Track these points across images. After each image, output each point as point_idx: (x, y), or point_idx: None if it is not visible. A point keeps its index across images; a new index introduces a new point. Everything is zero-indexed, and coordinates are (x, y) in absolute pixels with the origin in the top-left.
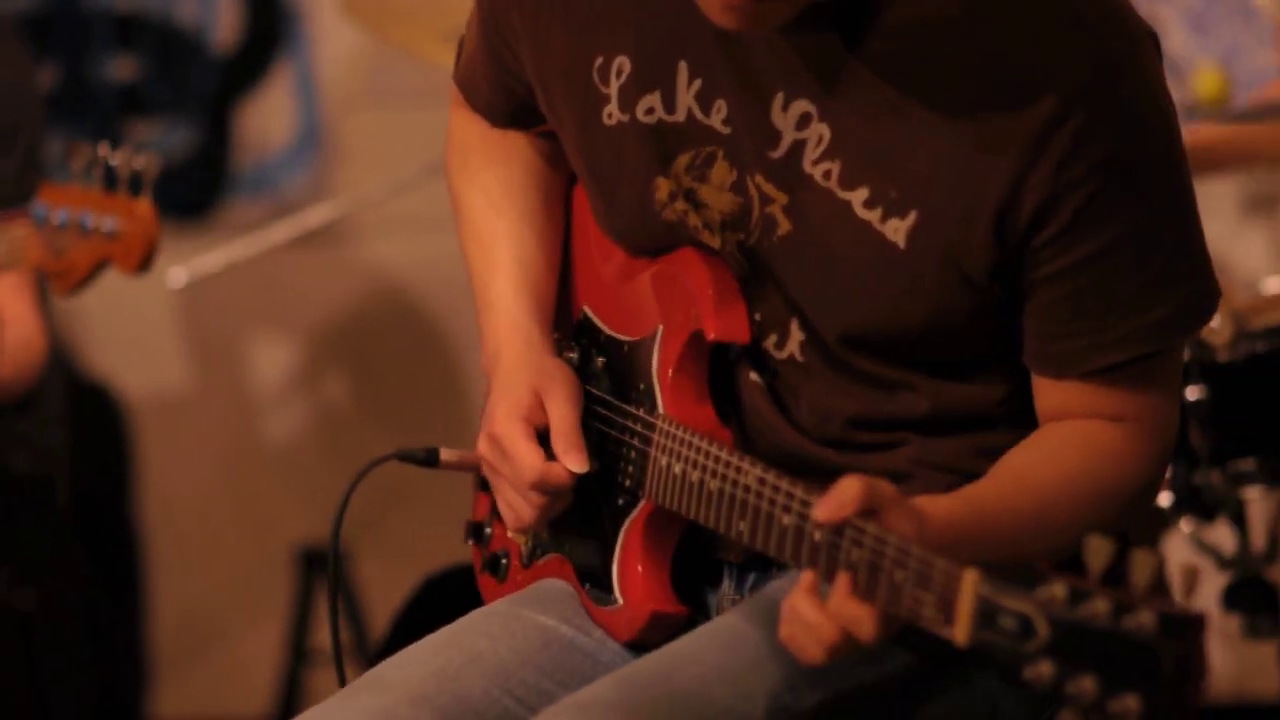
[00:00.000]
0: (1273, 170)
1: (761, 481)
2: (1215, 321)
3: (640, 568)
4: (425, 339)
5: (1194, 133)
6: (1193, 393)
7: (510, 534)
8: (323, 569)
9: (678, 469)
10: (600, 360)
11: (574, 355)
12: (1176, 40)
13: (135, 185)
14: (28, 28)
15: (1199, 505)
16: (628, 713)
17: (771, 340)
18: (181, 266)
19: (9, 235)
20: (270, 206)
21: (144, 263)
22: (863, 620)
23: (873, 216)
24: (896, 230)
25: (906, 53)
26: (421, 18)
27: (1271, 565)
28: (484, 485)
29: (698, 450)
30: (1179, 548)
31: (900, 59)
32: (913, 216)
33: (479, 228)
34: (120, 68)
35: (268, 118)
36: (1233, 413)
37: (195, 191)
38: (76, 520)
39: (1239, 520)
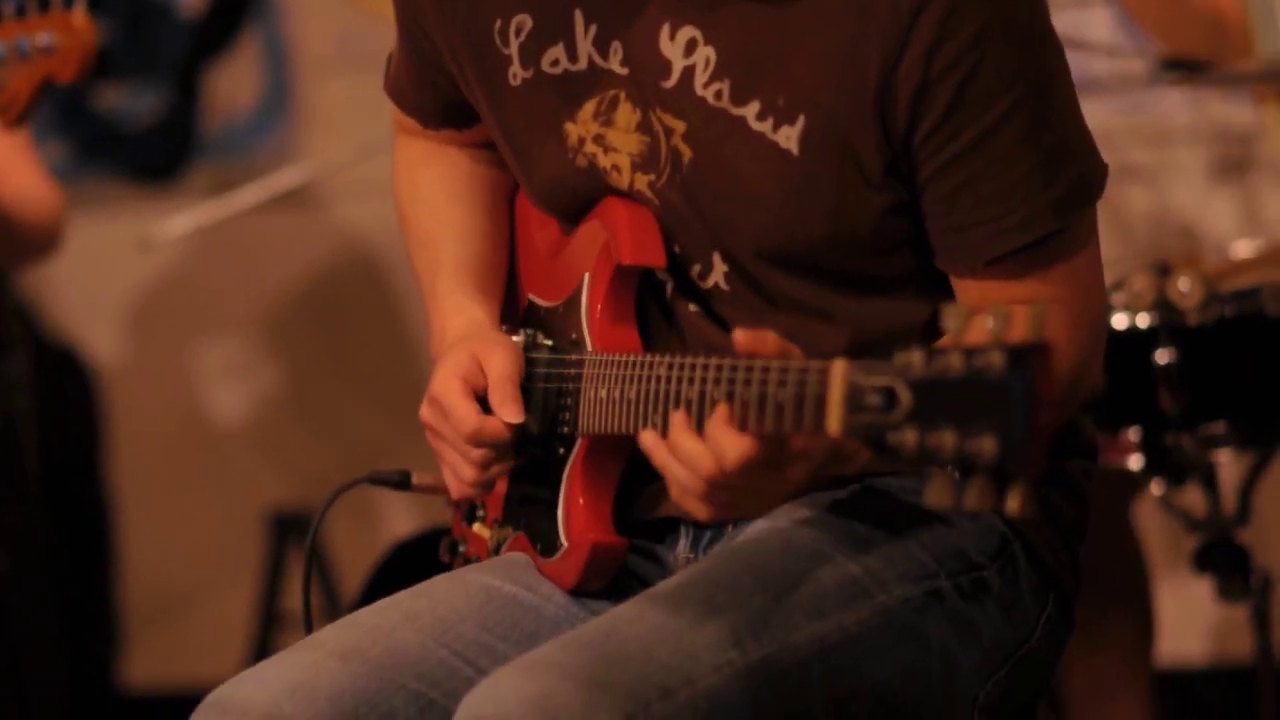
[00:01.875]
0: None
1: (670, 366)
2: (1185, 285)
3: (581, 501)
4: (395, 302)
5: None
6: (1163, 356)
7: (457, 504)
8: (292, 534)
9: (603, 393)
10: (542, 334)
11: (520, 338)
12: None
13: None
14: None
15: (1170, 468)
16: (571, 672)
17: (696, 270)
18: (149, 230)
19: None
20: (239, 170)
21: (82, 71)
22: (738, 446)
23: (765, 128)
24: (789, 137)
25: None
26: None
27: (1242, 527)
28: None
29: (619, 367)
30: (1150, 510)
31: None
32: (801, 121)
33: (424, 236)
34: None
35: (236, 81)
36: (1203, 376)
37: (164, 155)
38: (46, 485)
39: (1210, 483)
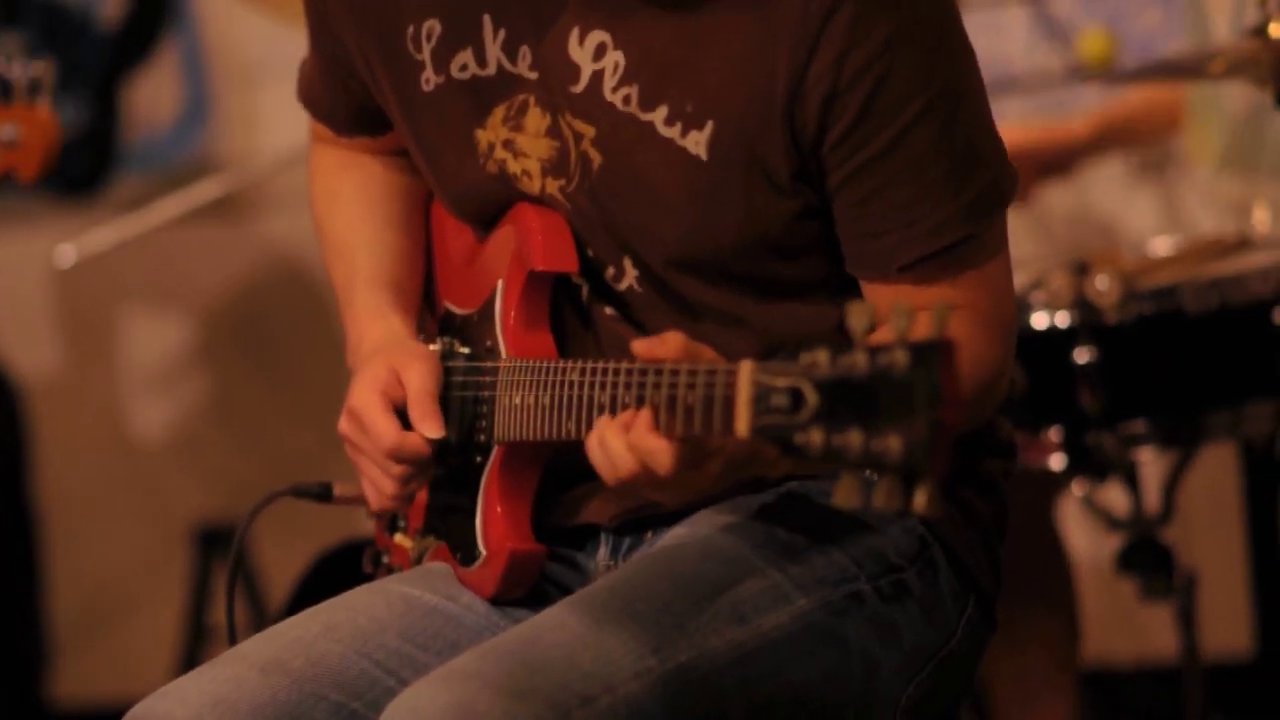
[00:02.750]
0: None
1: (582, 372)
2: (1103, 283)
3: (499, 508)
4: (318, 312)
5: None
6: (1083, 355)
7: (379, 515)
8: (219, 547)
9: (519, 399)
10: (459, 342)
11: (437, 347)
12: (1062, 3)
13: (33, 92)
14: None
15: (1091, 467)
16: (491, 681)
17: (610, 273)
18: (70, 244)
19: None
20: (159, 182)
21: (44, 169)
22: (660, 452)
23: (674, 133)
24: (697, 143)
25: None
26: None
27: (1165, 526)
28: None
29: (534, 373)
30: (1073, 510)
31: None
32: (710, 126)
33: (341, 245)
34: (6, 45)
35: (155, 93)
36: (1123, 374)
37: (84, 168)
38: None
39: (1132, 482)
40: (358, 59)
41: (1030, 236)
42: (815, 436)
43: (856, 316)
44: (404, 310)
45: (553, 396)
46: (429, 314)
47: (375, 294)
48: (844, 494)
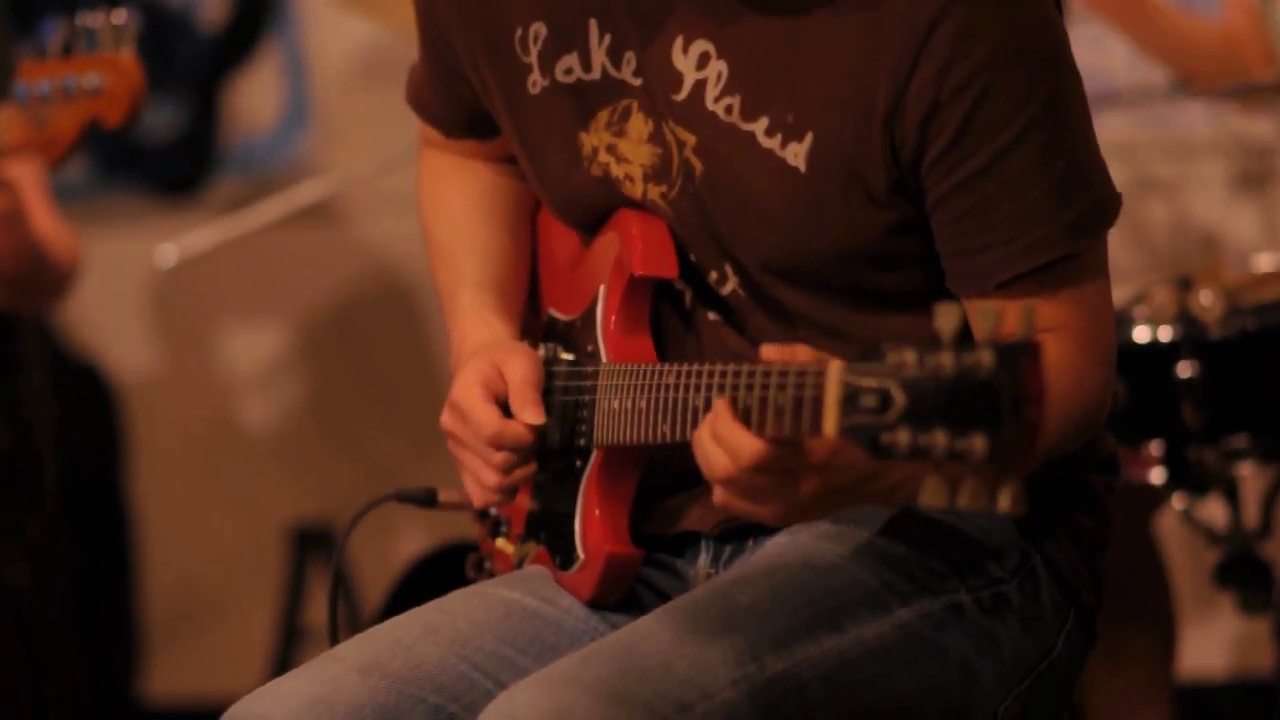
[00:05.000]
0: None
1: (677, 375)
2: (1206, 298)
3: (598, 512)
4: (415, 317)
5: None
6: (1185, 370)
7: (483, 519)
8: (314, 549)
9: (617, 404)
10: (562, 348)
11: (541, 353)
12: None
13: (118, 40)
14: (16, 8)
15: (1192, 482)
16: (589, 686)
17: (713, 278)
18: (171, 244)
19: None
20: (259, 185)
21: (131, 114)
22: (745, 445)
23: (774, 144)
24: (796, 154)
25: None
26: None
27: (1264, 541)
28: (482, 515)
29: (631, 377)
30: (1172, 524)
31: None
32: (809, 139)
33: (446, 248)
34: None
35: (256, 95)
36: (1225, 389)
37: (184, 169)
38: (68, 499)
39: (1232, 496)
40: (466, 62)
41: (1132, 250)
42: (902, 436)
43: (944, 318)
44: (507, 314)
45: (649, 400)
46: (534, 319)
47: (479, 297)
48: (930, 493)
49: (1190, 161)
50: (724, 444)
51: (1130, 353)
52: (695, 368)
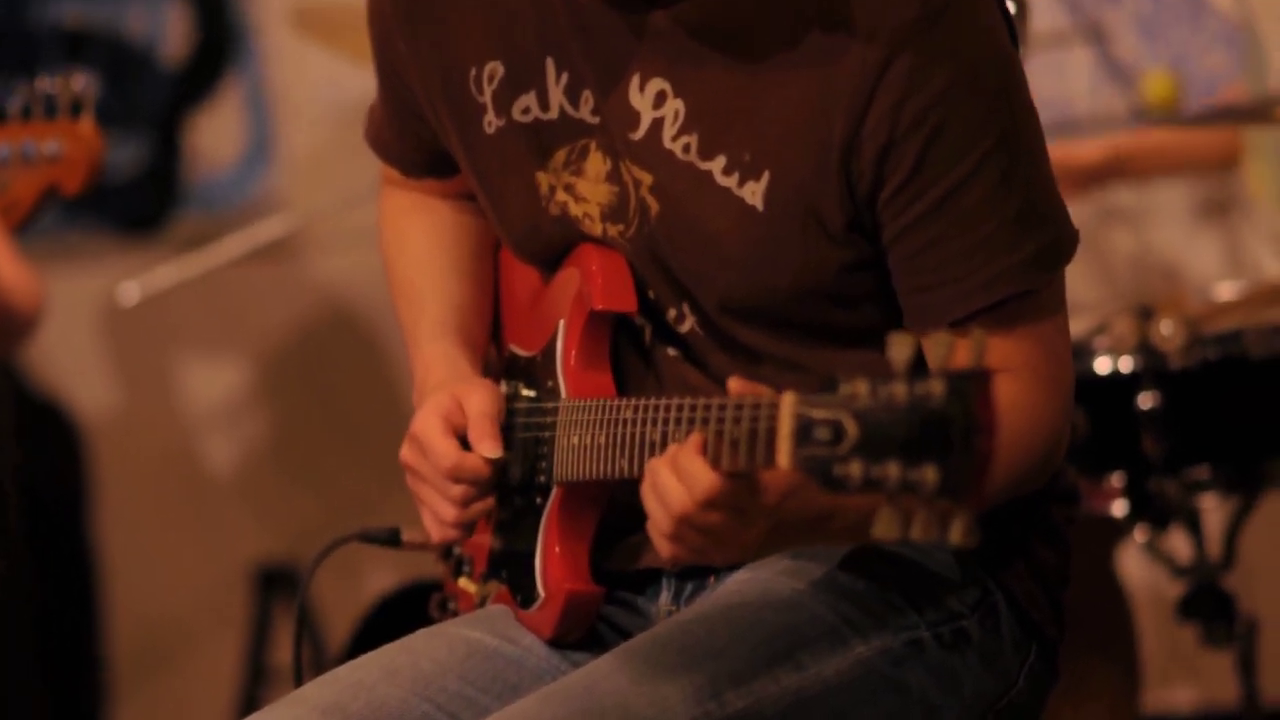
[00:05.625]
0: (1218, 176)
1: (636, 409)
2: (1167, 328)
3: (558, 549)
4: (378, 353)
5: (1141, 136)
6: (1146, 400)
7: (446, 558)
8: (279, 587)
9: (576, 439)
10: (524, 385)
11: (503, 389)
12: (1126, 45)
13: (76, 109)
14: None
15: (1154, 513)
16: None
17: (671, 315)
18: (132, 281)
19: None
20: (221, 221)
21: (88, 182)
22: (703, 477)
23: (731, 182)
24: (754, 193)
25: (749, 19)
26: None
27: (1227, 573)
28: (446, 554)
29: (589, 412)
30: (1134, 556)
31: (744, 26)
32: (766, 177)
33: (408, 285)
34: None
35: (218, 131)
36: (1186, 420)
37: (145, 206)
38: (32, 538)
39: (1194, 528)
40: (423, 102)
41: (1092, 279)
42: (854, 468)
43: (897, 348)
44: (469, 350)
45: (608, 435)
46: (497, 356)
47: (442, 334)
48: (883, 525)
49: (1151, 190)
50: (682, 475)
51: (1091, 383)
52: (652, 402)
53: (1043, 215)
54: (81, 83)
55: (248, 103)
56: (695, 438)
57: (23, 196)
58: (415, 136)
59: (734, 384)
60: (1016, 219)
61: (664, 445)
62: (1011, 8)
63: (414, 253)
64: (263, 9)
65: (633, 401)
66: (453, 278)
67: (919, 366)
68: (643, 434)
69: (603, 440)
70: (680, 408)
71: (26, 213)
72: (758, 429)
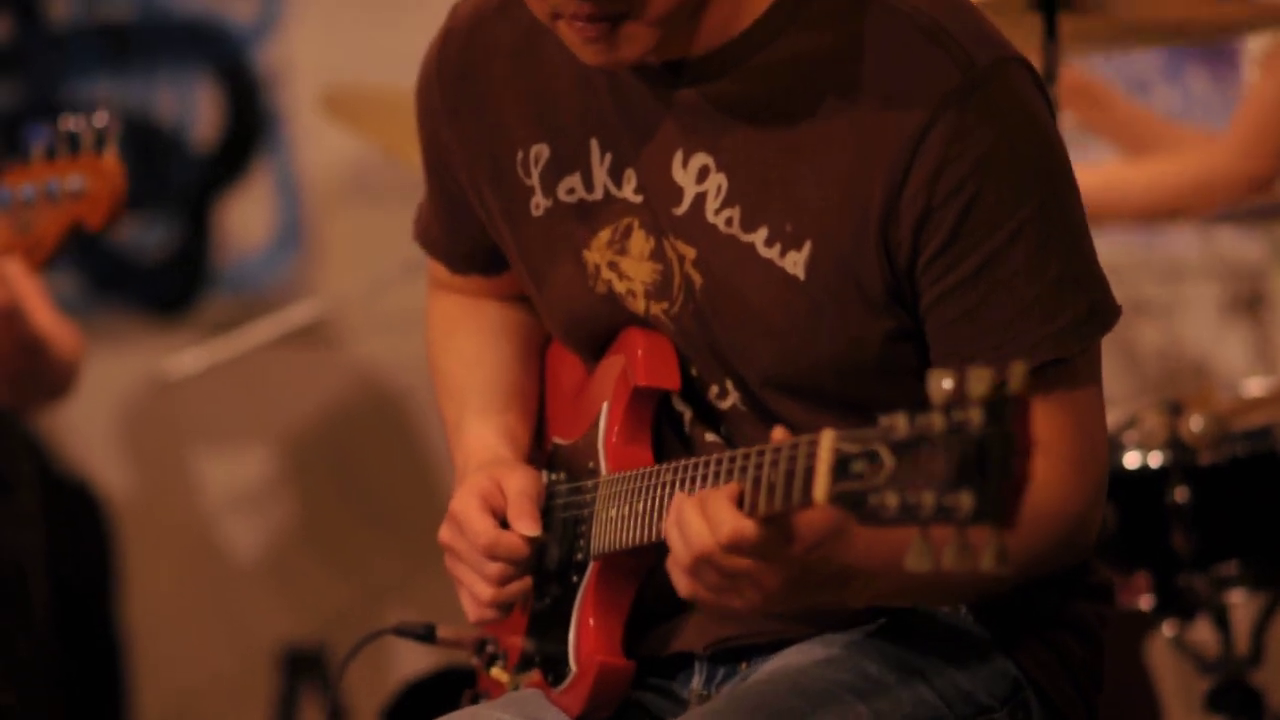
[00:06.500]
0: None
1: (675, 472)
2: (1197, 424)
3: (592, 622)
4: (407, 437)
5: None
6: (1175, 495)
7: (479, 651)
8: (304, 671)
9: (614, 511)
10: (564, 474)
11: (543, 478)
12: None
13: (99, 143)
14: (5, 122)
15: (1182, 608)
16: None
17: (714, 391)
18: (161, 364)
19: None
20: (251, 303)
21: (112, 217)
22: (731, 520)
23: (773, 254)
24: (795, 263)
25: (788, 90)
26: (402, 116)
27: (1255, 669)
28: (479, 648)
29: (629, 482)
30: (1162, 650)
31: (783, 97)
32: (808, 247)
33: (453, 382)
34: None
35: (248, 215)
36: (1215, 515)
37: (175, 288)
38: (58, 619)
39: (1222, 623)
40: (470, 192)
41: (1122, 373)
42: (890, 498)
43: (936, 381)
44: (511, 441)
45: (645, 502)
46: (539, 450)
47: (484, 422)
48: (915, 557)
49: (1180, 284)
50: (708, 515)
51: (1121, 478)
52: (691, 461)
53: (1080, 284)
54: (104, 119)
55: (277, 186)
56: (731, 487)
57: (48, 234)
58: (463, 231)
59: (778, 432)
60: (1053, 288)
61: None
62: None
63: (460, 352)
64: (292, 93)
65: (672, 464)
66: (498, 373)
67: (957, 399)
68: (674, 495)
69: (641, 507)
70: (720, 461)
71: (50, 250)
72: (795, 468)
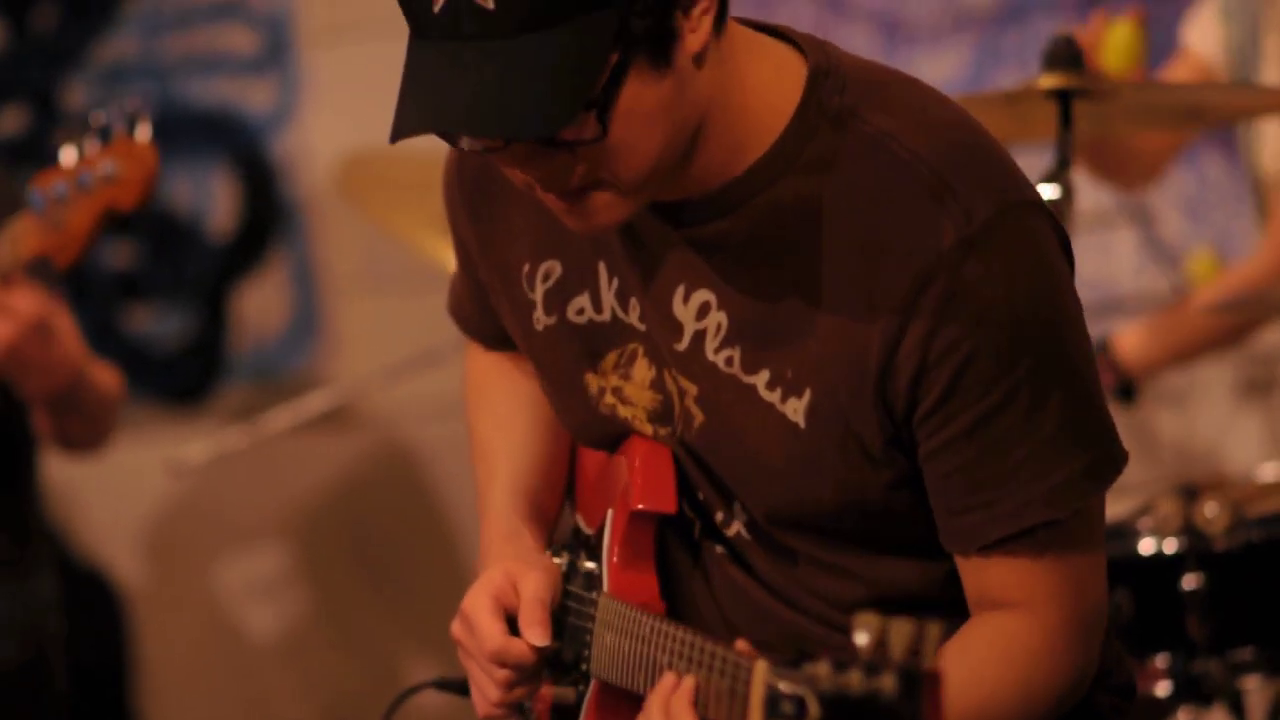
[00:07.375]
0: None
1: (653, 630)
2: (1211, 510)
3: None
4: (425, 524)
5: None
6: (1190, 581)
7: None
8: None
9: (609, 639)
10: (582, 557)
11: (562, 561)
12: (1172, 226)
13: (131, 126)
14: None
15: (1197, 694)
16: None
17: (719, 517)
18: (178, 453)
19: (8, 236)
20: (268, 392)
21: (144, 198)
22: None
23: (774, 398)
24: (796, 410)
25: (789, 234)
26: (418, 204)
27: None
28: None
29: (621, 618)
30: None
31: (785, 241)
32: (808, 395)
33: (486, 448)
34: (117, 254)
35: (265, 303)
36: (1230, 602)
37: (192, 377)
38: (74, 709)
39: (1237, 709)
40: (489, 288)
41: (1137, 460)
42: None
43: (860, 630)
44: (535, 521)
45: (629, 648)
46: (569, 513)
47: (511, 503)
48: None
49: (1195, 369)
50: (670, 714)
51: (1135, 564)
52: (667, 628)
53: (1078, 439)
54: (136, 103)
55: (294, 275)
56: (689, 682)
57: (80, 225)
58: (490, 314)
59: (740, 643)
60: (1047, 447)
61: (658, 674)
62: (1058, 191)
63: (494, 411)
64: (309, 182)
65: (651, 620)
66: (529, 443)
67: (879, 652)
68: (653, 655)
69: (626, 650)
70: (688, 644)
71: (82, 245)
72: (735, 688)
